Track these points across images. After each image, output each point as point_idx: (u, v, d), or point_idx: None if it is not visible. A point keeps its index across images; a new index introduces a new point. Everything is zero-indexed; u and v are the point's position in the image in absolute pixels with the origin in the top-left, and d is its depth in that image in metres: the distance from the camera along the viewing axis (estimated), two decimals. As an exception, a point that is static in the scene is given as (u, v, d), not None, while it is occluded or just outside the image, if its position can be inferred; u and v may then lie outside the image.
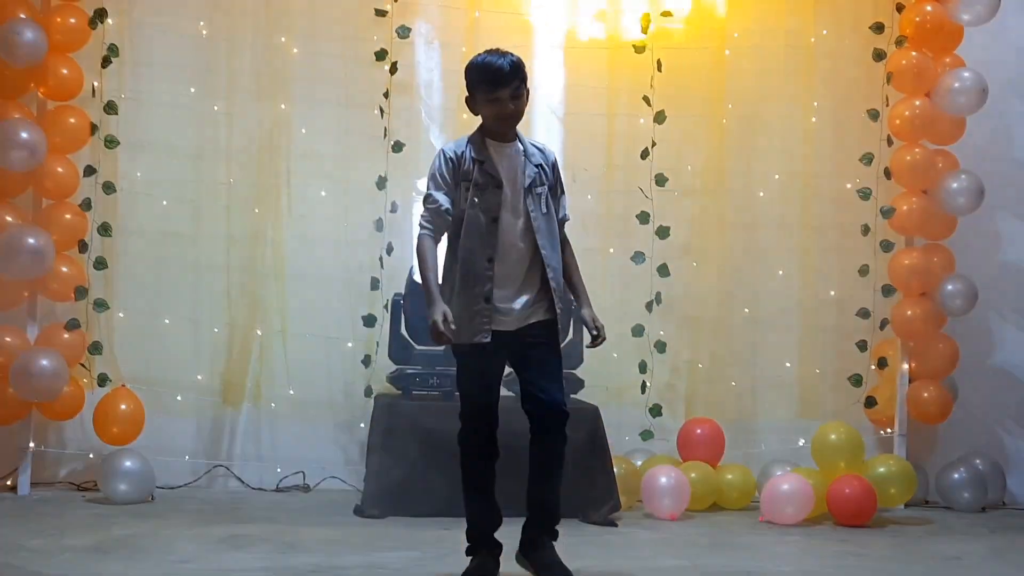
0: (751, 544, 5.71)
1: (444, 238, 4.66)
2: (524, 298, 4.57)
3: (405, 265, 6.58)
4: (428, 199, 4.62)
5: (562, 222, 4.73)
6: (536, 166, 4.61)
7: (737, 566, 5.15)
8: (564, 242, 4.74)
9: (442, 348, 6.30)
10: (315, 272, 6.78)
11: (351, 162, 6.79)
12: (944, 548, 5.76)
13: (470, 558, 4.64)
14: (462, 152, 4.59)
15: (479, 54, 4.62)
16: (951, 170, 6.84)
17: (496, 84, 4.50)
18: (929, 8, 6.77)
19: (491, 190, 4.55)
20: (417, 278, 6.31)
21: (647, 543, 5.62)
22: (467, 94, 4.60)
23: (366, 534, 5.56)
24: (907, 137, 6.84)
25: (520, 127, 4.70)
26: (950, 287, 6.82)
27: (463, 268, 4.56)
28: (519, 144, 4.64)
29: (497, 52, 4.59)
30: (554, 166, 4.71)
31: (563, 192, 4.76)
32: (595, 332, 4.63)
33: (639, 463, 6.64)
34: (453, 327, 4.43)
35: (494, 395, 4.65)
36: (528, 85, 4.59)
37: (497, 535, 4.66)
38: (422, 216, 4.62)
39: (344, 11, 6.76)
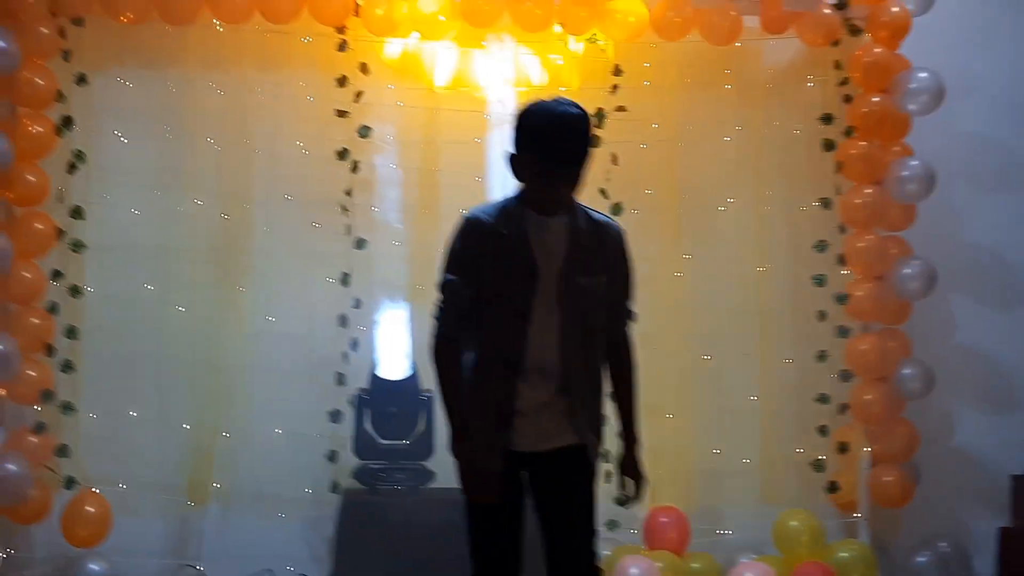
0: (714, 631, 5.76)
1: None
2: (555, 411, 3.69)
3: (369, 360, 6.68)
4: (441, 286, 3.67)
5: (622, 322, 3.87)
6: (584, 249, 3.66)
7: (698, 653, 5.19)
8: (621, 347, 3.88)
9: (407, 442, 6.45)
10: (280, 368, 6.85)
11: (314, 259, 6.89)
12: (905, 630, 5.83)
13: None
14: (488, 221, 3.64)
15: (543, 102, 3.63)
16: (904, 256, 6.98)
17: (560, 157, 3.53)
18: (876, 99, 6.95)
19: (521, 277, 3.60)
20: (383, 373, 6.54)
21: (611, 632, 5.67)
22: (511, 149, 3.65)
23: (330, 630, 5.60)
24: (859, 224, 7.00)
25: None
26: (907, 371, 6.92)
27: (478, 372, 3.65)
28: (569, 217, 3.70)
29: (568, 103, 3.60)
30: (618, 249, 3.79)
31: (629, 283, 3.86)
32: (630, 491, 3.78)
33: (607, 553, 6.69)
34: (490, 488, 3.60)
35: (515, 534, 3.72)
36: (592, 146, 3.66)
37: None
38: (434, 308, 3.72)
39: (305, 112, 6.90)
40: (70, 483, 6.57)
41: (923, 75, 6.92)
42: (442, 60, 6.91)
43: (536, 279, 3.60)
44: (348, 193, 6.84)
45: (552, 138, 3.51)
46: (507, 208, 3.66)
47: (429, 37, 6.87)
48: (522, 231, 3.61)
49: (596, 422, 3.79)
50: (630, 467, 3.82)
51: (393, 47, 6.91)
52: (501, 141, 6.91)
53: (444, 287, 3.70)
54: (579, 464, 3.73)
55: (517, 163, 3.63)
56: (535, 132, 3.55)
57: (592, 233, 3.70)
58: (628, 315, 3.84)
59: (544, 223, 3.66)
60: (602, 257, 3.71)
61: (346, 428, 6.68)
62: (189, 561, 6.77)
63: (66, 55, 6.70)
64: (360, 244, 6.82)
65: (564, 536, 3.70)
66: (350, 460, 6.60)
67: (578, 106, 3.63)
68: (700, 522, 6.93)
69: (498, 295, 3.61)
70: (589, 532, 3.75)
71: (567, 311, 3.64)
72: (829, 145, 7.09)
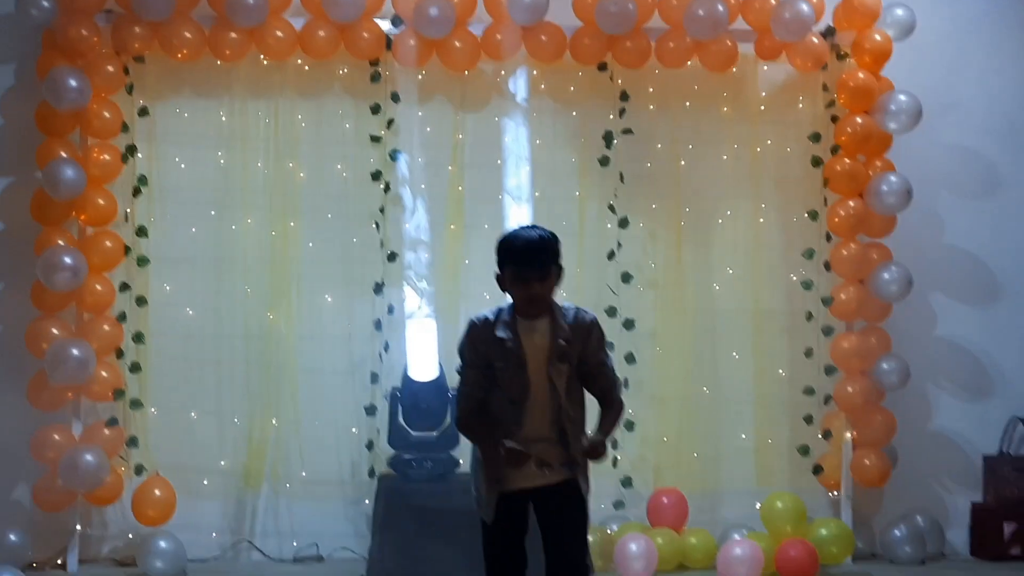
0: (704, 605, 6.57)
1: None
2: (546, 457, 4.46)
3: (401, 361, 7.44)
4: (460, 377, 4.53)
5: (607, 389, 4.54)
6: (563, 341, 4.40)
7: (685, 627, 6.00)
8: (606, 398, 4.56)
9: (435, 434, 7.25)
10: (323, 367, 7.62)
11: (352, 270, 7.63)
12: (873, 604, 6.62)
13: None
14: (488, 327, 4.44)
15: (511, 230, 4.51)
16: (884, 261, 7.68)
17: (523, 262, 4.33)
18: (859, 120, 7.63)
19: (515, 371, 4.40)
20: (413, 374, 7.32)
21: (612, 606, 6.48)
22: (497, 271, 4.47)
23: (369, 605, 6.44)
24: (844, 234, 7.68)
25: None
26: (885, 365, 7.64)
27: (484, 444, 4.51)
28: (550, 318, 4.46)
29: (530, 227, 4.47)
30: (589, 333, 4.47)
31: (602, 352, 4.53)
32: (585, 449, 4.41)
33: (615, 528, 7.50)
34: (515, 449, 4.37)
35: (516, 558, 4.56)
36: (561, 263, 4.46)
37: None
38: (457, 394, 4.59)
39: (343, 138, 7.65)
40: (139, 470, 7.40)
41: (902, 97, 7.60)
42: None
43: (525, 369, 4.43)
44: (381, 211, 7.60)
45: (517, 249, 4.37)
46: (502, 315, 4.49)
47: (453, 68, 7.60)
48: (512, 332, 4.44)
49: (582, 468, 4.54)
50: (593, 440, 4.47)
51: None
52: (515, 160, 7.70)
53: (461, 378, 4.55)
54: (570, 495, 4.52)
55: (500, 279, 4.47)
56: (506, 250, 4.43)
57: (571, 327, 4.47)
58: (608, 373, 4.56)
59: (532, 325, 4.46)
60: (579, 343, 4.47)
61: (380, 421, 7.48)
62: (245, 537, 7.63)
63: (129, 89, 7.47)
64: (392, 257, 7.58)
65: (558, 550, 4.51)
66: (385, 449, 7.39)
67: (543, 230, 4.47)
68: (699, 502, 7.71)
69: (498, 385, 4.47)
70: (579, 547, 4.54)
71: (552, 389, 4.45)
72: (817, 162, 7.80)
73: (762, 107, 7.90)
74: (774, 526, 7.27)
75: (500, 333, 4.44)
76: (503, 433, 4.47)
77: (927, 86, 7.85)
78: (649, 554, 7.11)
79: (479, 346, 4.47)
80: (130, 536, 7.48)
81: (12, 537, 7.12)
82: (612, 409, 4.58)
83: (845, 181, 7.66)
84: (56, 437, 7.20)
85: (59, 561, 7.31)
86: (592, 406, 4.70)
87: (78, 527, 7.31)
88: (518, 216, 7.58)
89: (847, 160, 7.68)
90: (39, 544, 7.30)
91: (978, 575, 7.42)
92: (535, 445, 4.47)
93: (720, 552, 7.19)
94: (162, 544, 7.16)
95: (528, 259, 4.35)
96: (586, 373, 4.52)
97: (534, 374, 4.44)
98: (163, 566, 7.12)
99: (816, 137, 7.81)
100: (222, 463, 7.60)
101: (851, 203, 7.65)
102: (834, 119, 7.77)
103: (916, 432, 8.02)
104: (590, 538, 6.75)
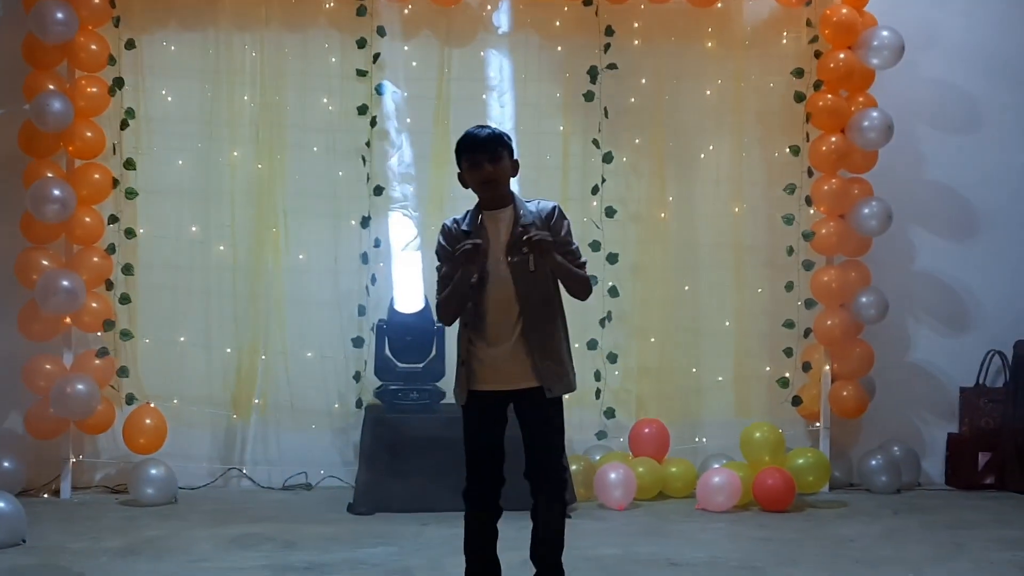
0: (681, 532, 6.68)
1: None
2: (517, 359, 4.72)
3: (388, 293, 7.56)
4: (438, 274, 4.83)
5: (572, 261, 4.76)
6: (522, 227, 4.67)
7: (662, 553, 6.12)
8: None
9: (421, 366, 7.38)
10: (310, 299, 7.75)
11: (338, 203, 7.73)
12: (845, 531, 6.73)
13: None
14: (455, 224, 4.78)
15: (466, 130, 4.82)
16: (864, 196, 7.77)
17: (474, 149, 4.66)
18: (842, 56, 7.69)
19: (479, 260, 4.67)
20: (399, 307, 7.43)
21: (592, 533, 6.57)
22: (458, 171, 4.79)
23: (354, 531, 6.57)
24: (825, 169, 7.78)
25: None
26: (864, 299, 7.76)
27: (459, 333, 4.83)
28: (512, 209, 4.75)
29: (480, 126, 4.81)
30: (552, 217, 4.72)
31: (567, 235, 4.75)
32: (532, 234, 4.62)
33: (597, 458, 7.65)
34: (475, 243, 4.63)
35: (492, 453, 4.80)
36: (515, 156, 4.76)
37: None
38: (437, 289, 4.85)
39: (330, 72, 7.71)
40: (130, 399, 7.55)
41: (885, 33, 7.65)
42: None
43: (486, 258, 4.71)
44: (367, 144, 7.66)
45: (468, 140, 4.76)
46: (469, 213, 4.86)
47: (441, 2, 7.64)
48: (477, 225, 4.78)
49: (554, 365, 4.76)
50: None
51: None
52: (502, 96, 7.76)
53: (439, 276, 4.87)
54: (541, 401, 4.78)
55: (461, 177, 4.81)
56: (460, 146, 4.78)
57: (528, 214, 4.76)
58: (576, 253, 4.81)
59: (497, 218, 4.78)
60: (544, 229, 4.71)
61: (367, 352, 7.61)
62: (234, 465, 7.79)
63: (116, 22, 7.52)
64: (378, 190, 7.66)
65: (532, 453, 4.80)
66: (372, 380, 7.53)
67: (492, 127, 4.83)
68: (680, 432, 7.87)
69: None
70: (556, 448, 4.81)
71: (516, 278, 4.72)
72: (800, 97, 7.86)
73: (746, 42, 7.95)
74: (753, 455, 7.43)
75: (466, 227, 4.79)
76: (471, 330, 4.76)
77: (910, 22, 7.90)
78: (628, 482, 7.27)
79: (450, 244, 4.77)
80: (122, 464, 7.62)
81: (6, 464, 7.27)
82: (577, 273, 4.80)
83: (827, 116, 7.73)
84: (47, 366, 7.34)
85: (53, 488, 7.46)
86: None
87: (71, 455, 7.45)
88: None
89: (829, 95, 7.75)
90: (33, 471, 7.47)
91: (952, 503, 7.58)
92: (502, 344, 4.71)
93: (700, 480, 7.35)
94: (153, 472, 7.31)
95: (477, 145, 4.71)
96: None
97: (495, 264, 4.72)
98: (154, 493, 7.27)
99: (799, 72, 7.87)
100: (212, 393, 7.73)
101: (833, 138, 7.73)
102: (817, 54, 7.83)
103: (894, 364, 8.17)
104: (573, 467, 7.15)
